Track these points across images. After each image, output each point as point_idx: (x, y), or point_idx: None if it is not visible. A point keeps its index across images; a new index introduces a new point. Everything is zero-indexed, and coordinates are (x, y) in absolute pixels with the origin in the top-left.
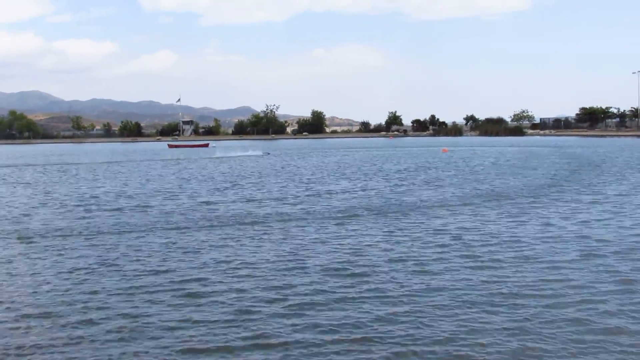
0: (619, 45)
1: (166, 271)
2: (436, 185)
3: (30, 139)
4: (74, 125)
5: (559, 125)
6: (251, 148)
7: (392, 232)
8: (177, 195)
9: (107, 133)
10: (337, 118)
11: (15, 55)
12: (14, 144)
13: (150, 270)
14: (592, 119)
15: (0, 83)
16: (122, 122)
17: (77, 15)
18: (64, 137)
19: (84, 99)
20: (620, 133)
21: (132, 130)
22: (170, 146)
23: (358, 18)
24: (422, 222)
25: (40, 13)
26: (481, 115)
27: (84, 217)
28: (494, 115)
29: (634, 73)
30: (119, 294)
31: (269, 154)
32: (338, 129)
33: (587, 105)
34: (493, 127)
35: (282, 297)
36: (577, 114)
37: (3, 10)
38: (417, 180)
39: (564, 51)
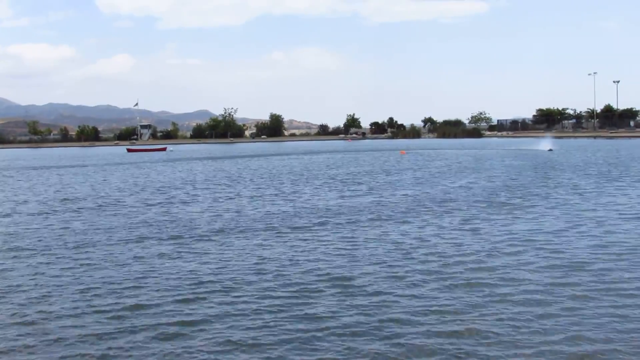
0: (575, 47)
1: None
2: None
3: None
4: (31, 130)
5: (516, 126)
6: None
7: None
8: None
9: (65, 138)
10: (296, 121)
11: None
12: None
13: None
14: (549, 120)
15: None
16: (79, 126)
17: (34, 19)
18: (20, 142)
19: (41, 104)
20: (576, 134)
21: (89, 135)
22: (129, 150)
23: (316, 21)
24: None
25: None
26: (439, 117)
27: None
28: (452, 117)
29: (589, 74)
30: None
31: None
32: (297, 132)
33: (544, 107)
34: (451, 129)
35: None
36: (534, 116)
37: None
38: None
39: (521, 53)
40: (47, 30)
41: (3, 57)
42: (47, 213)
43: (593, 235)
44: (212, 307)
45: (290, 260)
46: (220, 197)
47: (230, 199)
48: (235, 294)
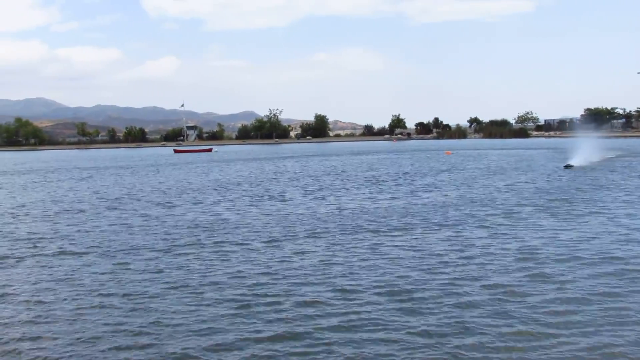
0: (624, 45)
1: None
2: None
3: (36, 145)
4: (79, 132)
5: (563, 126)
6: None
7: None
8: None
9: (112, 139)
10: (341, 122)
11: (21, 63)
12: (20, 151)
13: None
14: (597, 120)
15: (6, 90)
16: (126, 127)
17: (83, 22)
18: (69, 143)
19: (89, 106)
20: (626, 134)
21: (136, 136)
22: (176, 151)
23: (360, 22)
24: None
25: (46, 22)
26: (485, 117)
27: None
28: (498, 117)
29: (639, 73)
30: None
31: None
32: (341, 132)
33: (592, 106)
34: (497, 129)
35: None
36: (581, 115)
37: (9, 19)
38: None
39: (568, 52)
40: (96, 33)
41: (53, 60)
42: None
43: None
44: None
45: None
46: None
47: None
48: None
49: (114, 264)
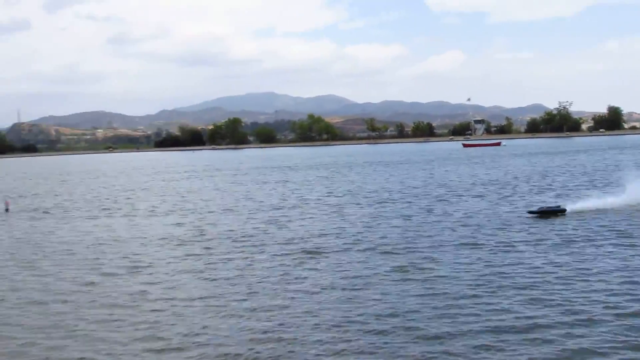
0: None
1: None
2: None
3: (328, 140)
4: (369, 127)
5: None
6: None
7: None
8: None
9: (400, 134)
10: (636, 113)
11: (311, 62)
12: (314, 146)
13: None
14: None
15: (298, 88)
16: (414, 122)
17: (368, 20)
18: (359, 138)
19: (376, 101)
20: None
21: (424, 131)
22: (465, 145)
23: None
24: None
25: (333, 21)
26: None
27: None
28: None
29: None
30: None
31: None
32: (638, 124)
33: None
34: None
35: None
36: None
37: (300, 20)
38: None
39: None
40: (380, 30)
41: (341, 58)
42: None
43: None
44: None
45: None
46: None
47: None
48: None
49: None
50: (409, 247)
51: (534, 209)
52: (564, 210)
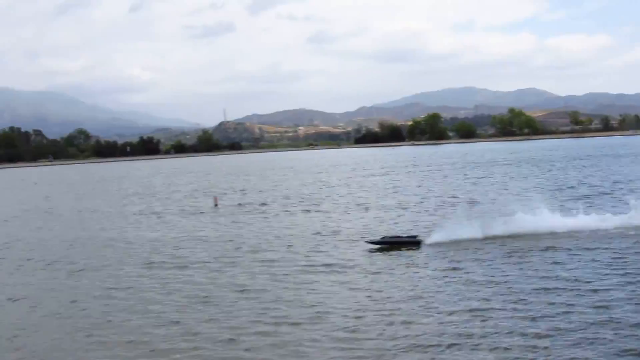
0: None
1: None
2: None
3: (529, 135)
4: (572, 121)
5: None
6: None
7: None
8: None
9: (606, 127)
10: None
11: (511, 55)
12: (514, 141)
13: None
14: None
15: (498, 82)
16: (620, 115)
17: (570, 10)
18: (563, 132)
19: (580, 94)
20: None
21: (631, 123)
22: None
23: None
24: None
25: (534, 13)
26: None
27: None
28: None
29: None
30: None
31: None
32: None
33: None
34: None
35: None
36: None
37: (499, 13)
38: None
39: None
40: (583, 20)
41: (542, 50)
42: None
43: None
44: None
45: None
46: None
47: None
48: None
49: None
50: None
51: None
52: None
